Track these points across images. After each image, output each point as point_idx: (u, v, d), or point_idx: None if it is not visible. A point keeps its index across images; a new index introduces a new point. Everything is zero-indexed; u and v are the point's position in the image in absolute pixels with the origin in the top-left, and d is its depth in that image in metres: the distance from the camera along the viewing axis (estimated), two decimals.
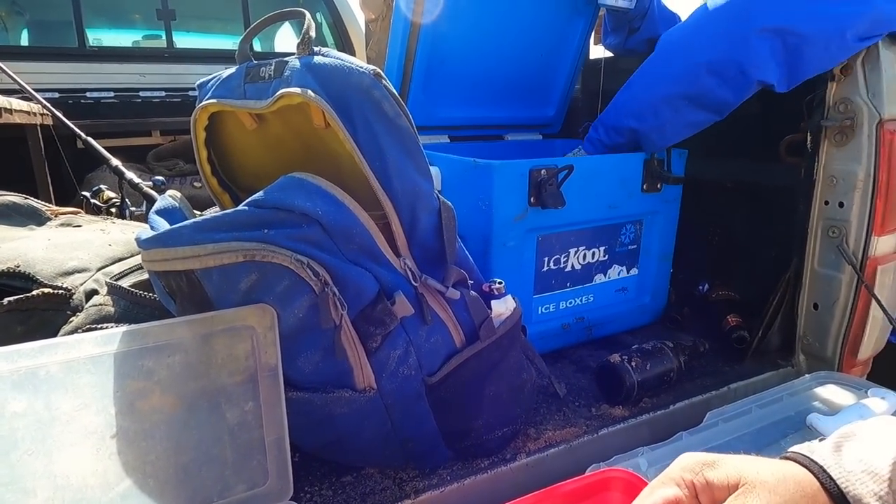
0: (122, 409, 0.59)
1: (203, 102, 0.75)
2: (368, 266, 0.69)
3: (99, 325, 0.74)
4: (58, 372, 0.56)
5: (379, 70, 0.67)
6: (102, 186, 1.70)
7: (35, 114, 1.72)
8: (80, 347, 0.57)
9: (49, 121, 1.83)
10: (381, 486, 0.83)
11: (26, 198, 1.11)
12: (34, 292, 0.76)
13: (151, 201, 1.39)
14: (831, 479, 0.39)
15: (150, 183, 1.52)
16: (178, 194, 0.75)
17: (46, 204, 1.14)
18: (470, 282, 0.79)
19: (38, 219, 1.08)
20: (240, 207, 0.62)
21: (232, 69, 0.76)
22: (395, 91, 0.68)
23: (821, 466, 0.39)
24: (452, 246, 0.75)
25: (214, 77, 0.77)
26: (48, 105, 1.62)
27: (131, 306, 0.75)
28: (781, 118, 1.19)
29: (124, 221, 1.15)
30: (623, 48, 1.46)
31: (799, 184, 1.15)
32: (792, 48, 1.01)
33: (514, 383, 0.87)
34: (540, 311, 1.17)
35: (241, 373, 0.65)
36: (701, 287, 1.42)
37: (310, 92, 0.65)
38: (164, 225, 0.67)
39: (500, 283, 0.84)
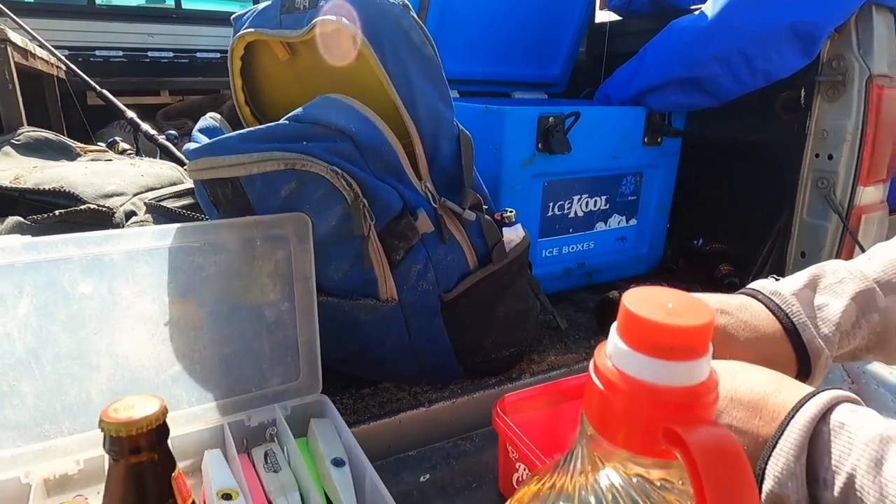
0: (174, 300, 0.66)
1: (240, 32, 0.81)
2: (393, 184, 0.75)
3: None
4: (120, 260, 0.62)
5: (406, 1, 0.72)
6: (117, 138, 1.75)
7: (52, 64, 1.76)
8: (139, 240, 0.63)
9: (62, 74, 1.86)
10: (398, 397, 0.90)
11: (57, 135, 1.16)
12: (82, 207, 0.82)
13: (166, 152, 1.44)
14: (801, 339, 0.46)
15: (164, 136, 1.57)
16: (219, 115, 0.81)
17: (75, 142, 1.19)
18: (484, 207, 0.85)
19: (70, 154, 1.13)
20: (280, 121, 0.68)
21: (267, 2, 0.81)
22: (420, 22, 0.74)
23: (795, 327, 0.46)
24: (469, 171, 0.81)
25: (250, 10, 0.82)
26: (63, 58, 1.66)
27: (172, 223, 0.81)
28: None
29: (150, 158, 1.20)
30: (627, 9, 1.51)
31: (793, 139, 1.21)
32: (805, 37, 1.09)
33: (521, 308, 0.94)
34: (544, 255, 1.23)
35: (279, 275, 0.71)
36: (696, 242, 1.49)
37: (344, 20, 0.70)
38: (206, 140, 0.73)
39: (510, 211, 0.90)
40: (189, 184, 1.01)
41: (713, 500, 0.23)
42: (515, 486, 0.63)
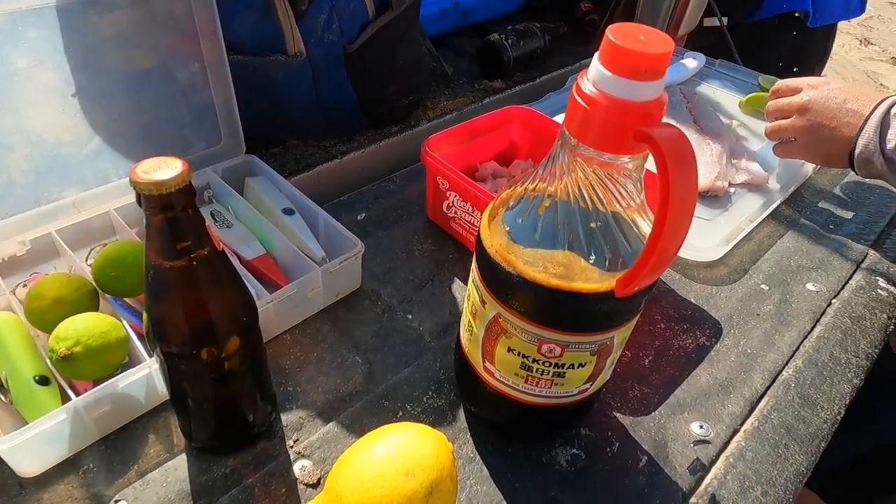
0: (76, 67, 0.60)
1: None
2: None
3: None
4: (3, 24, 0.54)
5: None
6: None
7: None
8: None
9: None
10: (309, 153, 0.93)
11: None
12: None
13: None
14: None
15: None
16: None
17: None
18: None
19: None
20: None
21: None
22: None
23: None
24: None
25: None
26: None
27: None
28: None
29: None
30: None
31: None
32: None
33: (417, 55, 0.97)
34: None
35: (182, 33, 0.66)
36: None
37: None
38: None
39: None
40: None
41: (673, 167, 0.34)
42: (446, 211, 0.75)
